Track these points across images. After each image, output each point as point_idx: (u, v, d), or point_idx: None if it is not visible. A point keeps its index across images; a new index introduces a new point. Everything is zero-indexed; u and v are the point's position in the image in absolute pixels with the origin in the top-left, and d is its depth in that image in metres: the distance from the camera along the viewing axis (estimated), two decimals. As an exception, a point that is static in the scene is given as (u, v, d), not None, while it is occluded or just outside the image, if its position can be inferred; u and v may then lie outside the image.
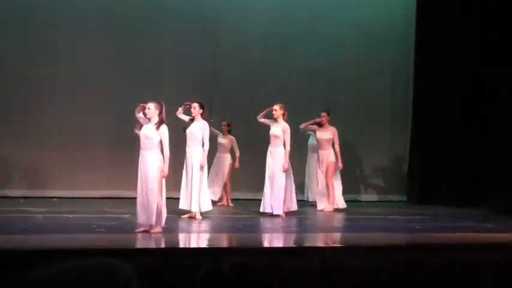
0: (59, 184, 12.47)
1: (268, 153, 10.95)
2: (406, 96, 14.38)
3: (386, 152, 14.50)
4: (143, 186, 8.39)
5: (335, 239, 8.94)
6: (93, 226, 8.78)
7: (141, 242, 8.07)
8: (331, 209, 11.77)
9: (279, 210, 10.78)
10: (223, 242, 8.74)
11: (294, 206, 11.00)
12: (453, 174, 13.51)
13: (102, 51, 12.67)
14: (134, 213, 8.64)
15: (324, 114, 12.06)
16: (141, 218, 8.43)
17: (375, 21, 14.14)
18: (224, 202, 12.38)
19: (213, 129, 12.14)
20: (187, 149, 10.32)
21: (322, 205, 11.83)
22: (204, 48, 13.46)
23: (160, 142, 8.47)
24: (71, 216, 9.87)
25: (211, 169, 12.14)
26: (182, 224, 9.70)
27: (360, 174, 14.42)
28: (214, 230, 9.62)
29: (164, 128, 8.53)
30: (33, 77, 12.43)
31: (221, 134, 12.47)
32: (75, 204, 11.17)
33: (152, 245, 8.00)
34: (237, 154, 12.30)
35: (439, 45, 13.68)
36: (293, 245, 8.25)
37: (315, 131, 12.48)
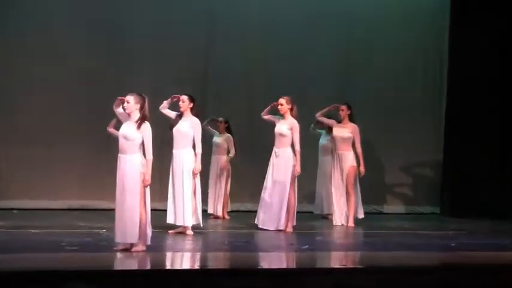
0: (20, 194, 12.55)
1: (273, 154, 10.82)
2: (439, 95, 14.66)
3: (416, 157, 14.67)
4: (122, 196, 8.12)
5: (351, 258, 8.82)
6: (63, 244, 8.67)
7: (119, 263, 7.89)
8: (353, 223, 11.65)
9: (282, 225, 10.70)
10: (218, 262, 8.74)
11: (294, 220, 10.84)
12: (492, 183, 13.56)
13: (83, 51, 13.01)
14: (112, 228, 8.49)
15: (343, 107, 11.90)
16: (119, 234, 8.20)
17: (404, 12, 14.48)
18: (220, 214, 12.39)
19: (209, 127, 12.16)
20: (174, 151, 10.11)
21: (341, 219, 11.67)
22: (198, 42, 13.76)
23: (143, 143, 8.16)
24: (36, 231, 9.85)
25: (210, 175, 12.15)
26: (169, 241, 9.58)
27: (384, 182, 14.50)
28: (208, 248, 9.48)
29: (147, 126, 8.18)
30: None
31: (217, 132, 12.51)
32: (41, 217, 11.17)
33: (133, 267, 7.82)
34: (231, 154, 12.25)
35: (475, 41, 13.92)
36: (300, 266, 8.26)
37: (327, 129, 12.48)
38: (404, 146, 14.60)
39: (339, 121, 11.97)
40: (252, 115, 12.62)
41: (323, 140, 12.65)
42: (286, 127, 10.73)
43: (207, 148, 11.74)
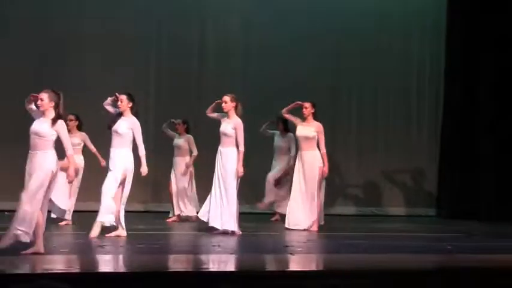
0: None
1: (218, 154, 10.43)
2: (436, 98, 14.78)
3: (414, 160, 14.64)
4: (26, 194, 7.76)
5: (344, 261, 8.65)
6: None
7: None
8: (317, 228, 11.13)
9: (232, 226, 10.35)
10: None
11: None
12: (490, 185, 13.60)
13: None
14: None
15: (307, 105, 11.22)
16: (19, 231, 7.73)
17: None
18: (191, 214, 12.12)
19: (168, 130, 12.06)
20: (111, 149, 9.79)
21: (306, 222, 11.12)
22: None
23: (57, 141, 7.92)
24: None
25: (174, 177, 12.07)
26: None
27: (381, 185, 14.46)
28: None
29: (62, 124, 7.98)
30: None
31: (177, 134, 12.26)
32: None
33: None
34: (194, 154, 12.04)
35: (473, 45, 13.92)
36: (293, 269, 8.25)
37: (281, 130, 12.31)
38: (401, 149, 14.65)
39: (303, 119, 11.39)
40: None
41: (278, 142, 12.45)
42: (231, 126, 10.36)
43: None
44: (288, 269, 8.15)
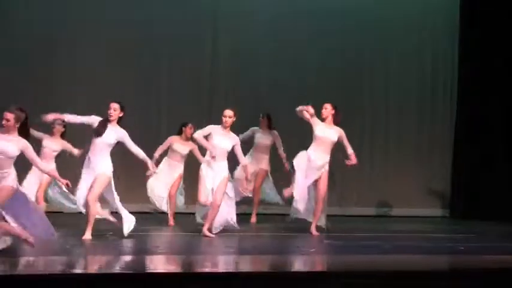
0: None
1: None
2: (450, 97, 14.84)
3: (426, 160, 14.66)
4: None
5: (357, 262, 8.69)
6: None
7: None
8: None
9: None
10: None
11: None
12: (503, 185, 13.64)
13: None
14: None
15: (327, 106, 10.97)
16: None
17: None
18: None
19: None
20: (93, 157, 9.57)
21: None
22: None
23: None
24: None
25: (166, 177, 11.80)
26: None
27: (393, 185, 14.47)
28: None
29: (26, 142, 7.96)
30: None
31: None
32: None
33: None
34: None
35: (486, 43, 13.98)
36: (310, 269, 8.32)
37: (264, 128, 12.33)
38: (414, 148, 14.66)
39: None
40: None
41: (260, 138, 12.32)
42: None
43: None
44: (301, 270, 8.22)
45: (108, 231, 9.94)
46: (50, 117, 9.57)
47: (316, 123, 10.79)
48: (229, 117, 10.24)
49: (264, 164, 12.40)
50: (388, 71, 14.66)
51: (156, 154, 11.35)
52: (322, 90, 13.58)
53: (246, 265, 8.46)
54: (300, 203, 10.73)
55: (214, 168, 10.19)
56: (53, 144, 11.11)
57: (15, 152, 7.92)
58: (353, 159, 10.90)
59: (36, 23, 13.12)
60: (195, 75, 13.83)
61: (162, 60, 13.76)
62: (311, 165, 10.72)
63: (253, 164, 12.16)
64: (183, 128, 11.68)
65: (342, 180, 13.62)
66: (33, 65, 13.02)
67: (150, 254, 8.81)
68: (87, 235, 9.46)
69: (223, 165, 10.24)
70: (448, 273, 8.04)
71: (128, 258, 8.67)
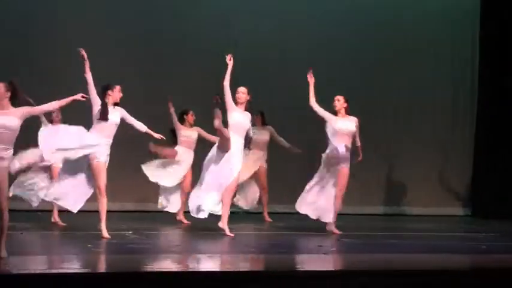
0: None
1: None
2: (471, 93, 14.87)
3: (447, 157, 14.61)
4: None
5: (378, 261, 8.67)
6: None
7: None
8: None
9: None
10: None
11: None
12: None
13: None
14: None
15: (340, 98, 10.93)
16: None
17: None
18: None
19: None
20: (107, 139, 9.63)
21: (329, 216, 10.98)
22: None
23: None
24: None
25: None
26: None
27: (414, 183, 14.43)
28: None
29: (22, 109, 7.76)
30: None
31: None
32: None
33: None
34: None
35: (507, 38, 13.89)
36: (325, 268, 8.33)
37: (258, 124, 12.41)
38: (434, 145, 14.62)
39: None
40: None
41: (255, 135, 12.22)
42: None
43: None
44: (322, 269, 8.24)
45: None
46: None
47: (331, 117, 10.79)
48: (243, 93, 10.35)
49: (263, 160, 12.50)
50: (409, 70, 14.59)
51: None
52: (344, 86, 13.62)
53: (264, 264, 8.48)
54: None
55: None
56: None
57: (17, 124, 7.74)
58: (360, 154, 10.94)
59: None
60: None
61: (168, 57, 13.71)
62: (339, 160, 10.70)
63: (251, 165, 12.18)
64: (185, 116, 11.82)
65: (362, 178, 13.56)
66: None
67: (169, 253, 8.84)
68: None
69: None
70: (470, 272, 8.03)
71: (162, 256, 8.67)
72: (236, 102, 10.29)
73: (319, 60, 13.29)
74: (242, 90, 10.36)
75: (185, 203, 11.37)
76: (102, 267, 7.85)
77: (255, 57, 13.63)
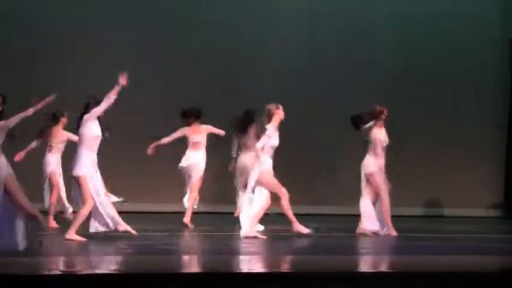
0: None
1: None
2: (503, 94, 14.63)
3: (480, 158, 14.52)
4: None
5: (409, 262, 8.65)
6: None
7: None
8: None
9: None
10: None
11: None
12: None
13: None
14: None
15: (385, 110, 10.95)
16: None
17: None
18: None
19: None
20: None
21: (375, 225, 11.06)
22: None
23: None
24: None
25: None
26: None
27: (445, 185, 14.37)
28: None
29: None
30: None
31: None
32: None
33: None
34: None
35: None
36: (359, 270, 8.33)
37: None
38: (466, 147, 14.55)
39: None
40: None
41: None
42: None
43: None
44: (356, 270, 8.25)
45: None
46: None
47: (379, 131, 10.75)
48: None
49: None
50: (440, 70, 14.51)
51: (165, 140, 11.35)
52: (372, 88, 13.66)
53: (305, 265, 8.50)
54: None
55: None
56: (60, 138, 10.96)
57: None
58: None
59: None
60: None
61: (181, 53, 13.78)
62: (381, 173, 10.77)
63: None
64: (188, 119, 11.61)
65: (396, 180, 13.53)
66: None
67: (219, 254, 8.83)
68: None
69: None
70: (502, 274, 7.98)
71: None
72: None
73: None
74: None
75: (192, 206, 11.42)
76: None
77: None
